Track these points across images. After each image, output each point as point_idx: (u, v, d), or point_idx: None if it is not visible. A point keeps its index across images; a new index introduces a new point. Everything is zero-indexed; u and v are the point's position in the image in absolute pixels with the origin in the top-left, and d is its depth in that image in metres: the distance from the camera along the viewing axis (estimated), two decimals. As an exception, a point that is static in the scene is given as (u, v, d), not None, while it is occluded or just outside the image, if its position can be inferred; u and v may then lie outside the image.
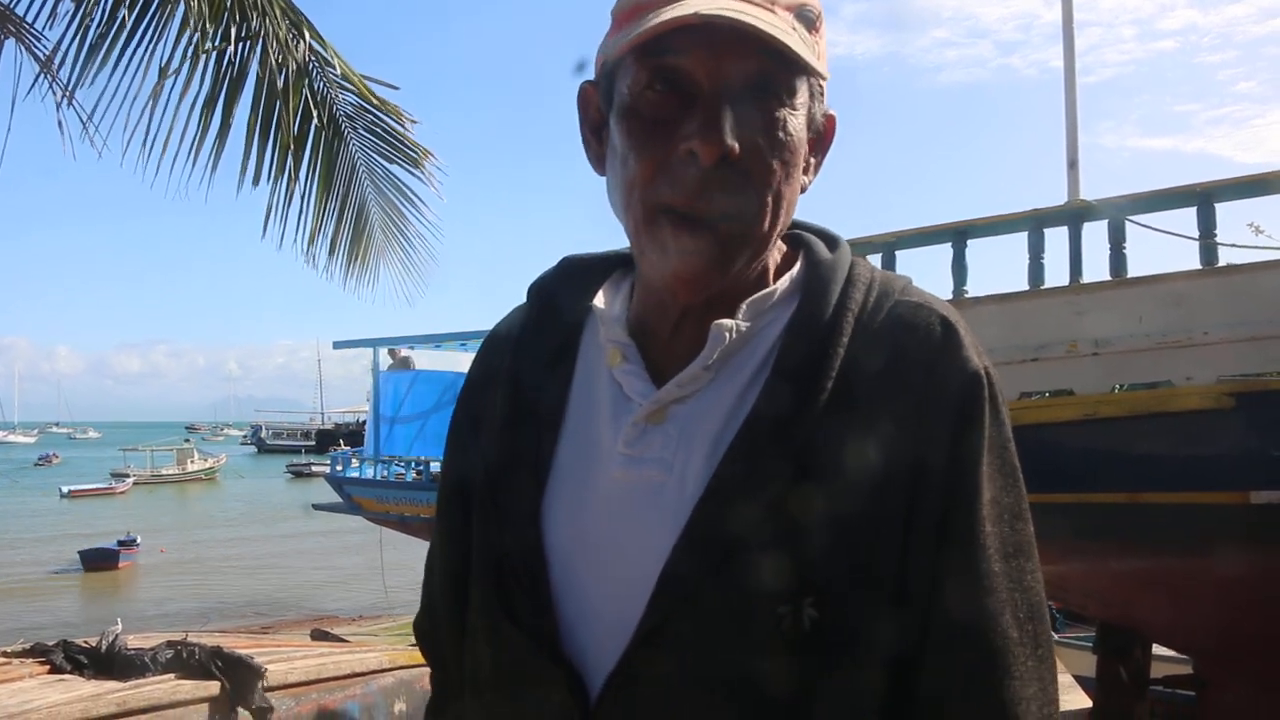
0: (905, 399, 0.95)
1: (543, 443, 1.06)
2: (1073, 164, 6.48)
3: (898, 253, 6.41)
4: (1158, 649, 6.65)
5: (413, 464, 20.19)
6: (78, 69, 4.55)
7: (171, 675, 3.79)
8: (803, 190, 1.01)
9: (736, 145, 0.91)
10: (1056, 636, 9.63)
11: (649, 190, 0.95)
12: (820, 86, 0.99)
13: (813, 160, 1.03)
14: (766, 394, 0.97)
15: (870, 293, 1.01)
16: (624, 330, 1.06)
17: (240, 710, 3.66)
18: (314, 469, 57.29)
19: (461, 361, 21.27)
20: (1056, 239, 5.96)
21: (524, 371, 1.11)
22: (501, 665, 1.05)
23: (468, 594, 1.12)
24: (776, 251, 1.05)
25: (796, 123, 0.95)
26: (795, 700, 0.92)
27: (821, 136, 1.03)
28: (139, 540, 27.59)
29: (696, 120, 0.92)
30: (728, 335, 0.99)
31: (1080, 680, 8.31)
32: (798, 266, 1.05)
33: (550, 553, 1.01)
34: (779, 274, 1.05)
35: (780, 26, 0.92)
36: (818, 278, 1.02)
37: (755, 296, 1.01)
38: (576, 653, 0.98)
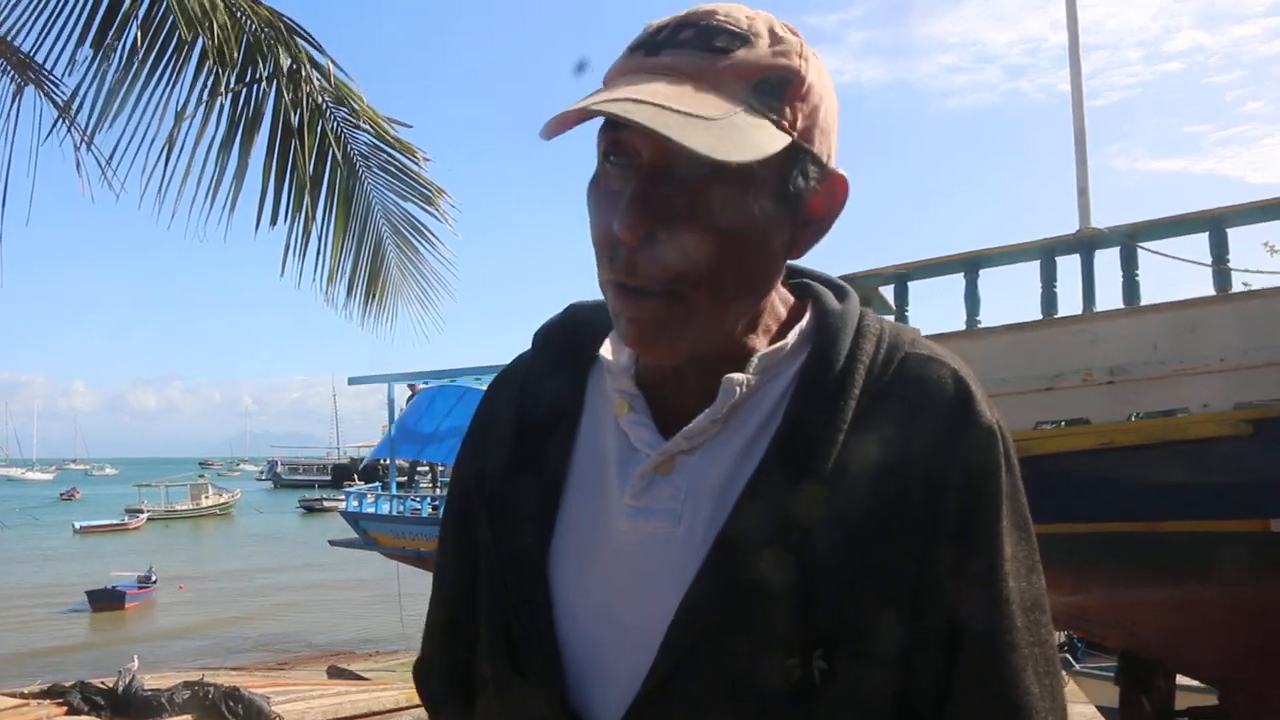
0: (917, 454, 0.94)
1: (548, 494, 1.06)
2: (1083, 191, 6.49)
3: (910, 284, 6.42)
4: (1182, 679, 6.60)
5: (429, 499, 20.21)
6: (95, 114, 4.61)
7: (188, 716, 3.80)
8: (792, 256, 1.00)
9: (664, 229, 0.90)
10: (1078, 666, 9.63)
11: (600, 261, 0.96)
12: (806, 152, 0.95)
13: (810, 226, 0.99)
14: (775, 448, 0.97)
15: (880, 345, 1.00)
16: (631, 381, 1.05)
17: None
18: (325, 504, 57.33)
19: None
20: (1068, 267, 5.97)
21: (529, 421, 1.10)
22: (512, 716, 1.05)
23: (465, 645, 1.13)
24: (781, 305, 1.05)
25: (747, 200, 0.92)
26: None
27: (827, 198, 0.99)
28: (155, 578, 27.63)
29: (624, 202, 0.91)
30: (738, 390, 0.98)
31: (1104, 710, 8.24)
32: (806, 319, 1.04)
33: (558, 606, 1.01)
34: (788, 326, 1.04)
35: (705, 112, 0.87)
36: (826, 329, 1.02)
37: (766, 351, 1.00)
38: (586, 707, 0.98)
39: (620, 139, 0.92)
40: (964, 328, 6.12)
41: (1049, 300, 5.98)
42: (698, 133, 0.86)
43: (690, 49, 0.92)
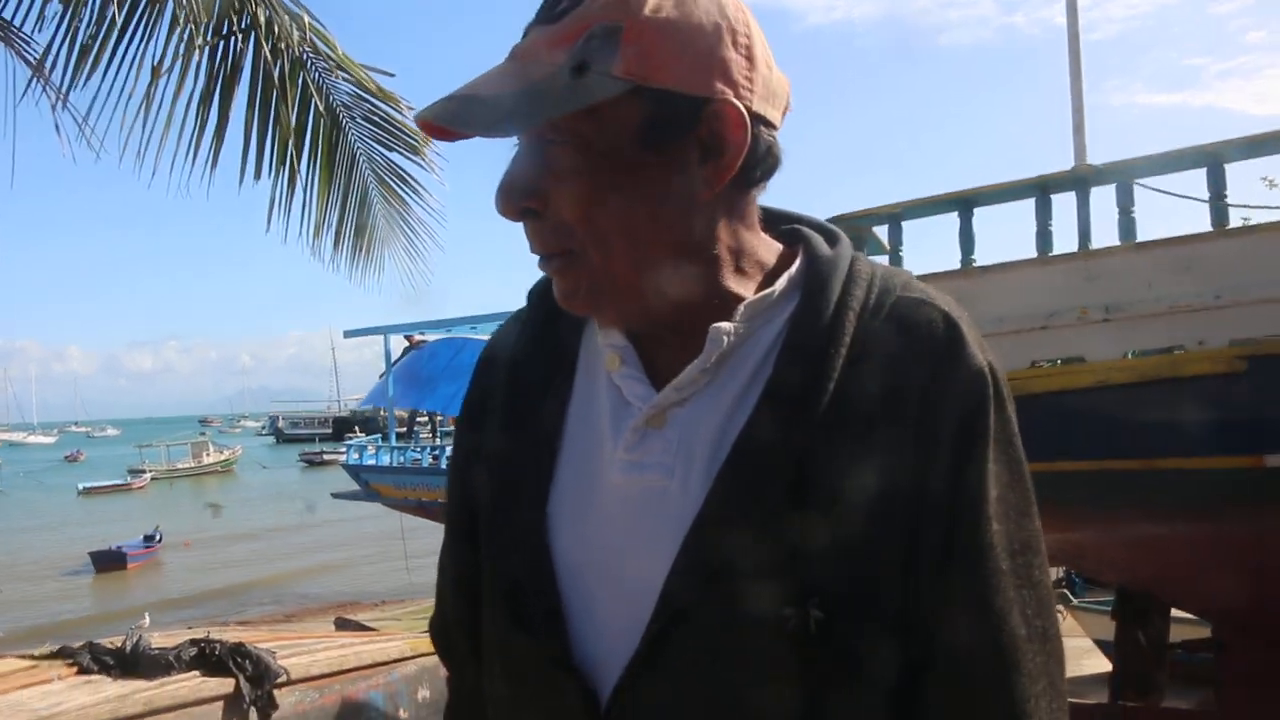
0: (908, 400, 0.95)
1: (543, 453, 1.06)
2: (1078, 128, 6.43)
3: (903, 223, 6.37)
4: (1176, 613, 6.65)
5: (429, 449, 20.28)
6: (69, 72, 4.52)
7: (196, 673, 3.82)
8: (696, 199, 0.96)
9: (530, 203, 0.95)
10: (1076, 601, 9.70)
11: None
12: (655, 91, 0.92)
13: (707, 165, 0.95)
14: (766, 398, 0.96)
15: (871, 290, 1.00)
16: (620, 334, 1.04)
17: (253, 705, 3.69)
18: (326, 457, 57.63)
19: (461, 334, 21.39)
20: (1064, 205, 5.92)
21: (524, 379, 1.11)
22: (515, 676, 1.06)
23: (475, 602, 1.13)
24: (768, 252, 1.05)
25: (590, 156, 0.92)
26: (805, 703, 0.93)
27: (712, 134, 0.94)
28: (160, 536, 27.79)
29: (498, 188, 0.96)
30: (725, 339, 0.98)
31: (1100, 644, 8.31)
32: (796, 265, 1.03)
33: (558, 564, 1.02)
34: (777, 272, 1.03)
35: (521, 83, 0.91)
36: (817, 275, 1.01)
37: (753, 299, 1.00)
38: (587, 662, 0.99)
39: None
40: (958, 267, 6.09)
41: (1044, 238, 5.93)
42: (489, 110, 0.90)
43: (539, 22, 0.95)
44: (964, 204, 6.20)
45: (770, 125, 0.99)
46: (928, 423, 0.94)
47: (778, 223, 1.09)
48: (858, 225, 6.31)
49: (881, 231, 6.42)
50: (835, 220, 6.83)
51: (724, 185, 0.97)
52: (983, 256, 6.17)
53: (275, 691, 3.82)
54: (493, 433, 1.11)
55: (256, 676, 3.75)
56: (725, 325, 0.98)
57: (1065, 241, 5.89)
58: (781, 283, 1.01)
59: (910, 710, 0.95)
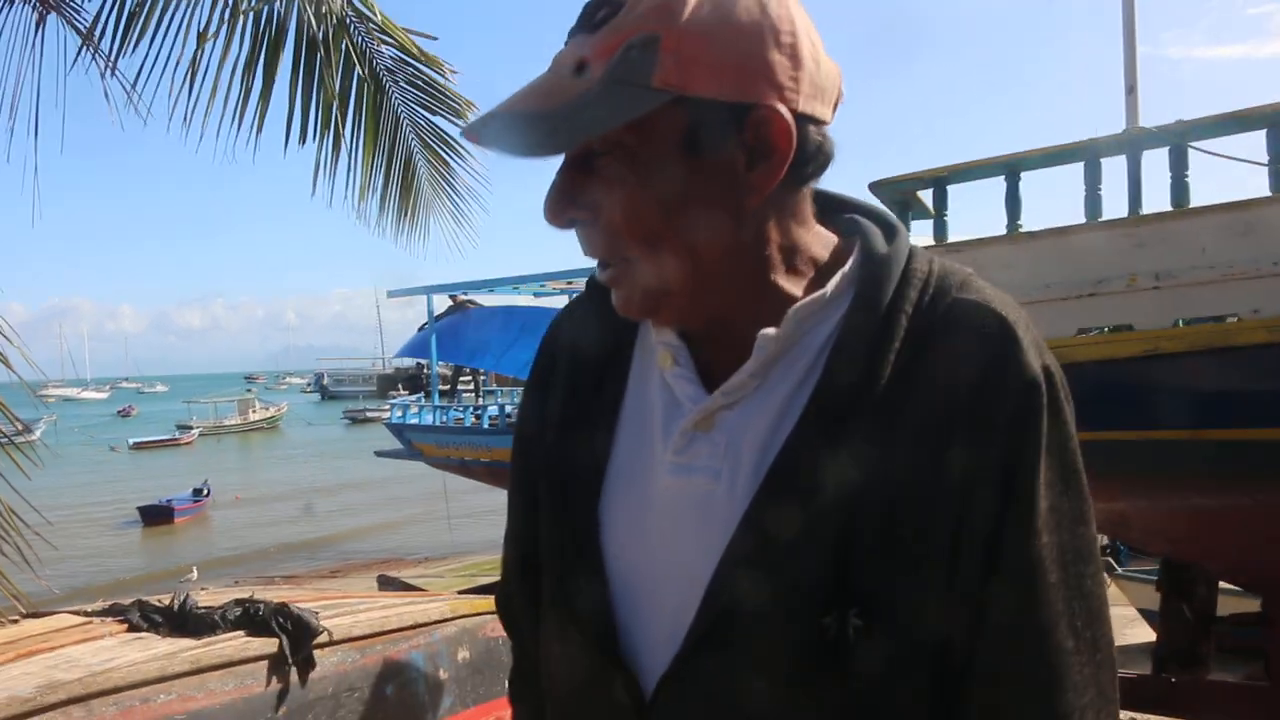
0: (958, 406, 0.93)
1: (599, 446, 1.07)
2: (1131, 89, 6.29)
3: (949, 188, 6.28)
4: (1224, 585, 6.57)
5: (471, 409, 20.41)
6: (118, 39, 4.56)
7: (241, 632, 3.87)
8: (755, 201, 0.95)
9: (578, 213, 0.96)
10: (1120, 570, 9.62)
11: None
12: (693, 100, 0.91)
13: (756, 170, 0.94)
14: (814, 403, 0.96)
15: (926, 291, 0.98)
16: (674, 333, 1.04)
17: (294, 665, 3.74)
18: (369, 415, 58.22)
19: (517, 304, 21.44)
20: (1114, 169, 5.80)
21: (582, 370, 1.12)
22: (566, 660, 1.09)
23: (538, 574, 1.15)
24: (822, 247, 1.03)
25: (635, 166, 0.93)
26: (843, 709, 0.93)
27: (758, 139, 0.93)
28: (209, 490, 28.27)
29: (546, 199, 0.97)
30: (771, 346, 0.97)
31: (1145, 614, 8.25)
32: (850, 263, 1.01)
33: (609, 558, 1.04)
34: (832, 269, 1.01)
35: (558, 100, 0.91)
36: (870, 276, 0.99)
37: (801, 304, 0.98)
38: (635, 654, 1.01)
39: None
40: (1005, 232, 6.00)
41: (1093, 203, 5.81)
42: (530, 130, 0.91)
43: (580, 31, 0.95)
44: (1011, 168, 6.09)
45: (820, 122, 0.97)
46: (978, 432, 0.92)
47: (836, 210, 1.08)
48: (903, 189, 6.24)
49: (926, 196, 6.33)
50: (879, 185, 6.78)
51: (772, 188, 0.95)
52: (1030, 223, 6.08)
53: (317, 652, 3.87)
54: (553, 411, 1.13)
55: (299, 637, 3.80)
56: (771, 331, 0.97)
57: (1115, 207, 5.79)
58: (833, 283, 0.99)
59: (949, 714, 0.95)
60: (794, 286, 1.00)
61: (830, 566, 0.92)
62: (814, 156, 0.97)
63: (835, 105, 1.00)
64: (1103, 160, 5.86)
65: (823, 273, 1.01)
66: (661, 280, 0.96)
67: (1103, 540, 10.37)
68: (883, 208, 1.09)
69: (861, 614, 0.91)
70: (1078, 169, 5.90)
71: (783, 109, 0.92)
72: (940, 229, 6.26)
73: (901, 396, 0.93)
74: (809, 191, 1.02)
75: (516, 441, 1.23)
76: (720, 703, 0.96)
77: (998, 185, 6.14)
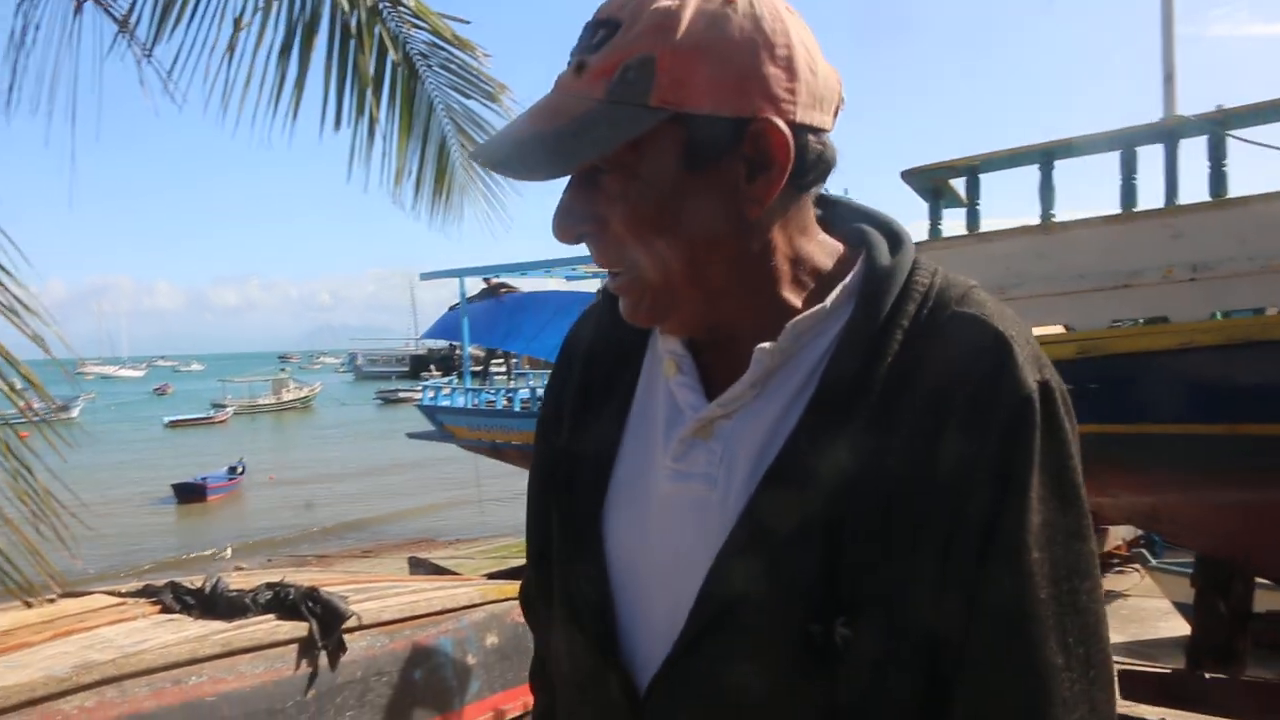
0: (949, 420, 0.93)
1: (604, 452, 1.11)
2: (1169, 77, 6.21)
3: (981, 176, 6.22)
4: (1261, 581, 6.48)
5: (503, 391, 20.49)
6: (154, 27, 4.60)
7: (271, 616, 3.92)
8: (748, 215, 0.97)
9: (585, 227, 0.99)
10: (1154, 562, 9.54)
11: None
12: (689, 116, 0.93)
13: (757, 180, 0.96)
14: (809, 412, 0.98)
15: (925, 304, 0.99)
16: (679, 341, 1.07)
17: (323, 648, 3.78)
18: (401, 395, 58.58)
19: (549, 287, 21.48)
20: (1151, 158, 5.73)
21: (593, 377, 1.16)
22: (570, 657, 1.13)
23: (550, 569, 1.19)
24: (827, 256, 1.05)
25: (638, 180, 0.95)
26: (827, 709, 0.95)
27: (755, 150, 0.95)
28: (243, 468, 28.56)
29: (554, 214, 1.00)
30: (768, 359, 0.99)
31: (1179, 607, 8.16)
32: (852, 274, 1.03)
33: (610, 563, 1.08)
34: (835, 279, 1.03)
35: (564, 120, 0.94)
36: (870, 290, 1.00)
37: (801, 317, 1.00)
38: (632, 654, 1.05)
39: None
40: (1038, 222, 5.94)
41: (1128, 193, 5.74)
42: (536, 152, 0.94)
43: (580, 52, 0.97)
44: (1045, 157, 6.02)
45: (819, 131, 0.99)
46: (970, 443, 0.93)
47: (845, 218, 1.09)
48: (935, 178, 6.19)
49: (959, 184, 6.28)
50: (912, 173, 6.73)
51: (772, 199, 0.97)
52: (1063, 212, 6.01)
53: (346, 636, 3.91)
54: (566, 416, 1.17)
55: (328, 621, 3.84)
56: (768, 345, 0.99)
57: (1151, 197, 5.72)
58: (833, 297, 1.01)
59: None
60: (796, 297, 1.02)
61: (822, 566, 0.93)
62: (814, 166, 0.99)
63: (836, 112, 1.02)
64: (1138, 149, 5.79)
65: (826, 283, 1.03)
66: (666, 290, 0.99)
67: (1136, 532, 10.31)
68: (890, 217, 1.09)
69: (848, 623, 0.92)
70: (1113, 158, 5.84)
71: (779, 121, 0.95)
72: (973, 218, 6.20)
73: (895, 405, 0.95)
74: (810, 200, 1.04)
75: (537, 440, 1.25)
76: (711, 701, 0.99)
77: (1031, 174, 6.09)
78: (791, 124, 0.95)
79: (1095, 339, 5.21)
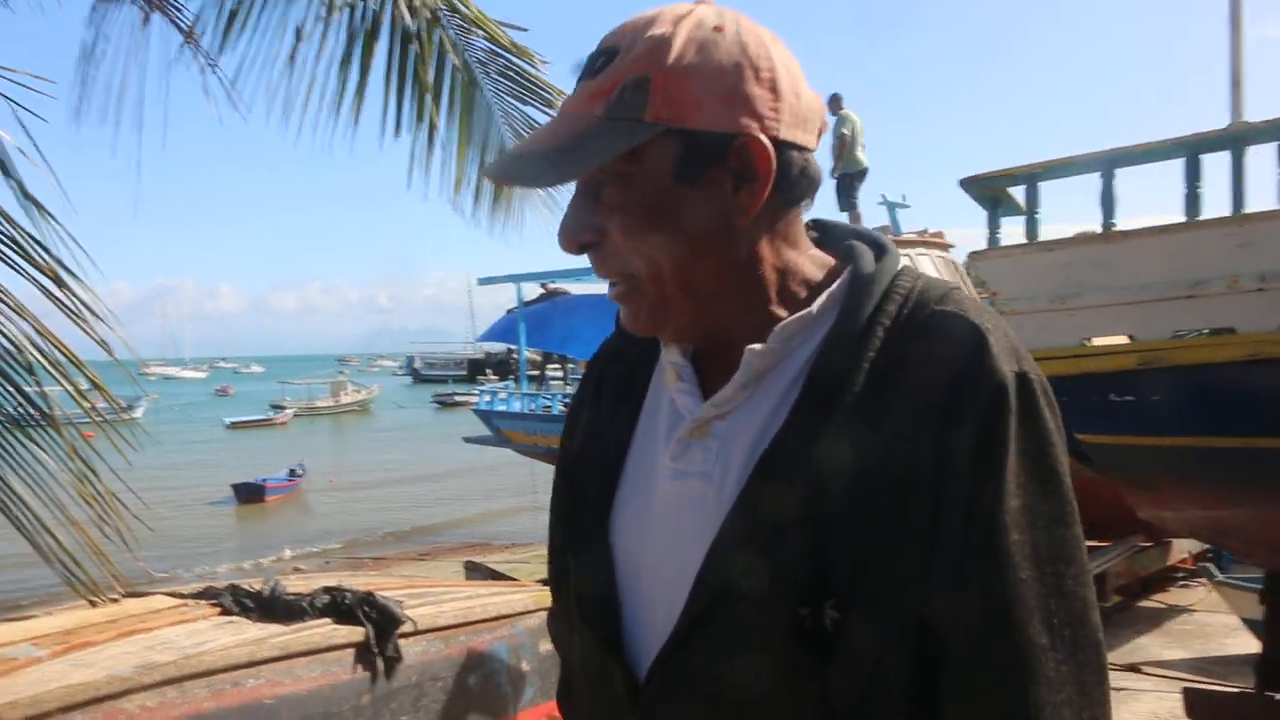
0: (929, 409, 0.99)
1: (612, 459, 1.18)
2: (1236, 83, 6.10)
3: (1041, 184, 6.14)
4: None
5: (560, 396, 20.56)
6: (219, 37, 4.69)
7: (328, 620, 3.96)
8: (736, 223, 1.05)
9: (586, 238, 1.07)
10: (1221, 576, 9.35)
11: None
12: (681, 131, 1.02)
13: (741, 190, 1.04)
14: (796, 408, 1.04)
15: (906, 304, 1.05)
16: (678, 352, 1.15)
17: (378, 653, 3.82)
18: (458, 399, 59.02)
19: (605, 290, 21.53)
20: (1217, 166, 5.62)
21: (606, 393, 1.25)
22: (583, 657, 1.19)
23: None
24: (817, 268, 1.12)
25: (636, 190, 1.03)
26: (820, 699, 0.99)
27: (742, 163, 1.03)
28: (304, 471, 28.92)
29: (559, 226, 1.08)
30: (757, 360, 1.06)
31: (1249, 623, 7.99)
32: (838, 282, 1.10)
33: (616, 561, 1.14)
34: (823, 287, 1.10)
35: (567, 137, 1.02)
36: (854, 293, 1.08)
37: (788, 320, 1.07)
38: (635, 647, 1.10)
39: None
40: (1099, 230, 5.85)
41: (1193, 201, 5.64)
42: (541, 165, 1.03)
43: (583, 79, 1.06)
44: (1106, 164, 5.93)
45: (803, 148, 1.07)
46: (948, 433, 0.98)
47: (838, 238, 1.17)
48: (993, 185, 6.12)
49: (1018, 192, 6.21)
50: (970, 181, 6.66)
51: (758, 210, 1.05)
52: (1126, 221, 5.89)
53: (401, 641, 3.94)
54: (581, 429, 1.26)
55: (384, 626, 3.87)
56: (757, 347, 1.06)
57: (1217, 205, 5.62)
58: (819, 302, 1.08)
59: (927, 711, 0.99)
60: (786, 304, 1.10)
61: (811, 554, 0.98)
62: (799, 180, 1.07)
63: (819, 133, 1.10)
64: (1203, 157, 5.68)
65: (815, 291, 1.10)
66: (661, 297, 1.07)
67: (1201, 546, 10.10)
68: (878, 233, 1.16)
69: (838, 606, 0.97)
70: (1177, 165, 5.73)
71: (763, 136, 1.03)
72: (1032, 227, 6.12)
73: (879, 398, 1.00)
74: (799, 215, 1.11)
75: (560, 451, 1.32)
76: (705, 692, 1.03)
77: (1093, 182, 5.98)
78: (775, 140, 1.03)
79: (1158, 350, 5.12)
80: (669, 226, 1.04)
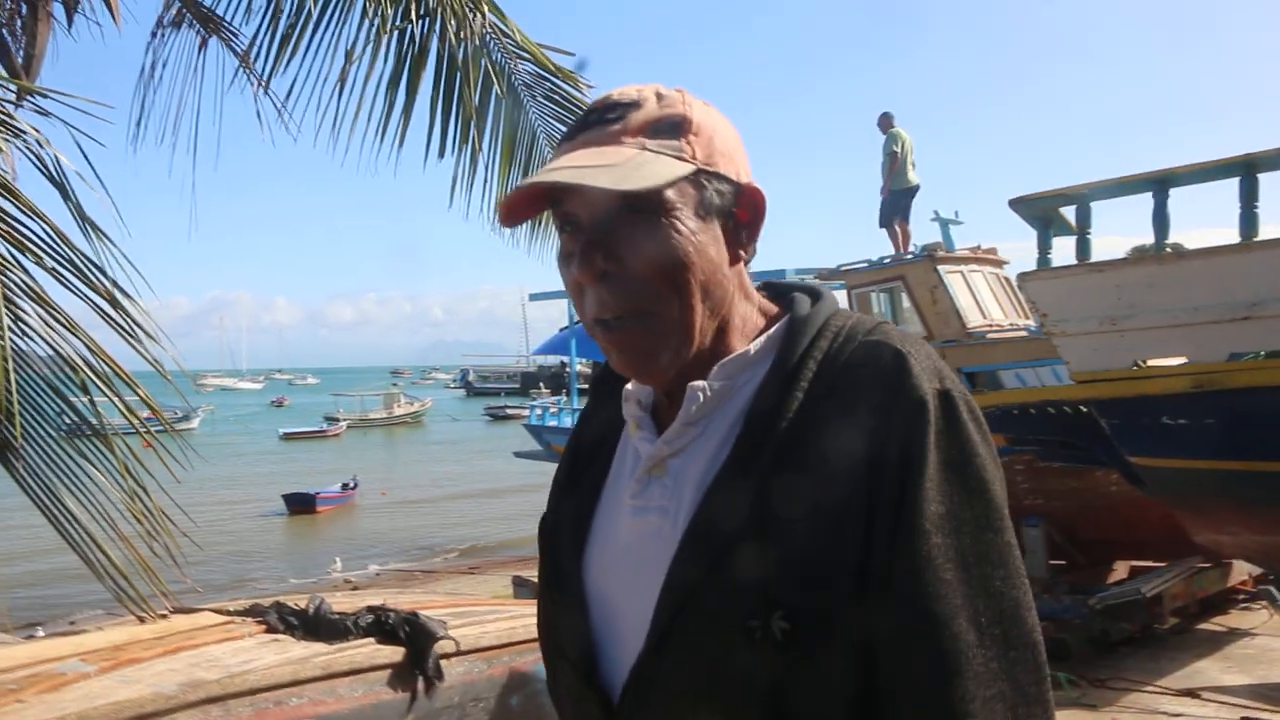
0: (858, 430, 1.06)
1: (583, 508, 1.28)
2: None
3: (1092, 204, 6.06)
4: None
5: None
6: (271, 60, 4.79)
7: (371, 639, 3.98)
8: (744, 261, 1.20)
9: (612, 264, 1.12)
10: (1280, 594, 9.09)
11: (580, 310, 1.18)
12: (711, 174, 1.14)
13: (744, 233, 1.19)
14: (737, 442, 1.13)
15: (837, 339, 1.14)
16: (636, 404, 1.25)
17: (421, 673, 3.83)
18: (509, 411, 59.31)
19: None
20: (1274, 185, 5.51)
21: (581, 447, 1.36)
22: (564, 688, 1.29)
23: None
24: (761, 315, 1.24)
25: (674, 222, 1.12)
26: (775, 705, 1.05)
27: (750, 208, 1.19)
28: (356, 484, 29.18)
29: (577, 253, 1.13)
30: (701, 395, 1.16)
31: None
32: (776, 325, 1.20)
33: (589, 597, 1.23)
34: (763, 332, 1.20)
35: (613, 161, 1.10)
36: (790, 335, 1.17)
37: (727, 359, 1.17)
38: (608, 678, 1.19)
39: (565, 212, 1.15)
40: (1151, 251, 5.76)
41: (1249, 221, 5.53)
42: (603, 175, 1.08)
43: (596, 126, 1.16)
44: (1159, 184, 5.84)
45: None
46: (875, 448, 1.05)
47: (782, 292, 1.27)
48: (1044, 205, 6.06)
49: (1069, 212, 6.13)
50: (1021, 201, 6.59)
51: (752, 252, 1.19)
52: (1179, 241, 5.79)
53: (444, 661, 3.96)
54: (558, 488, 1.37)
55: (426, 646, 3.89)
56: (698, 383, 1.17)
57: (1275, 226, 5.51)
58: (759, 342, 1.19)
59: (869, 715, 1.05)
60: (740, 347, 1.19)
61: (752, 578, 1.05)
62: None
63: None
64: (1260, 176, 5.57)
65: (759, 335, 1.21)
66: (681, 326, 1.14)
67: (1257, 570, 9.87)
68: (815, 284, 1.29)
69: (786, 616, 1.03)
70: (1232, 185, 5.62)
71: (760, 189, 1.19)
72: (1083, 247, 6.05)
73: (811, 427, 1.08)
74: (746, 267, 1.23)
75: (542, 518, 1.41)
76: (672, 705, 1.11)
77: (1145, 201, 5.88)
78: None
79: (1212, 372, 5.03)
80: (692, 261, 1.12)
